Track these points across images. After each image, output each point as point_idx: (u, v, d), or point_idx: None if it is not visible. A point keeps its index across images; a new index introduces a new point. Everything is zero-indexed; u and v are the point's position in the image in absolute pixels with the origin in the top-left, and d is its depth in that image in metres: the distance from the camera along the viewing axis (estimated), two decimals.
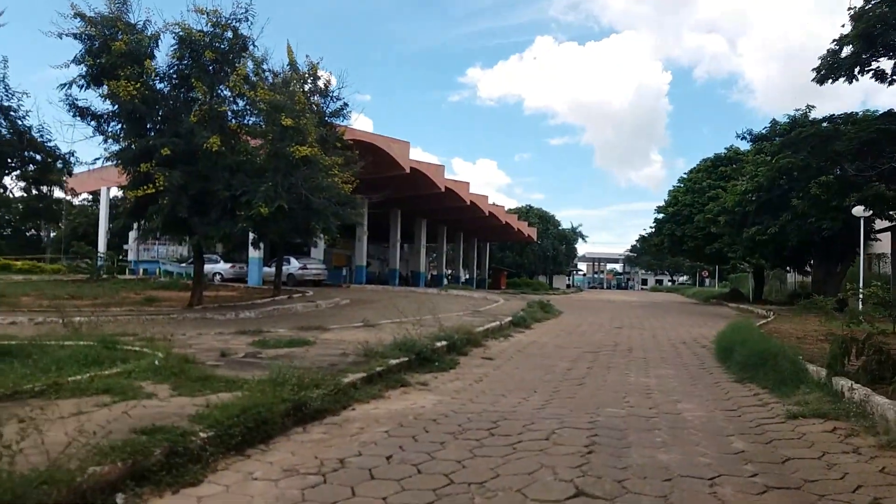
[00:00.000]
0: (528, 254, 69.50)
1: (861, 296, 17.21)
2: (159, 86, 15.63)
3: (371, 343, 9.41)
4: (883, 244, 29.87)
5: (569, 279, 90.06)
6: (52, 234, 51.35)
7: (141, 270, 35.76)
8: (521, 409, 6.57)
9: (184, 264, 31.81)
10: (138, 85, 14.06)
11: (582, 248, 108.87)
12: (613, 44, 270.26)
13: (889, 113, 13.61)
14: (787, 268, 37.29)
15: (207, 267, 31.59)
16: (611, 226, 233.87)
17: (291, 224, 15.65)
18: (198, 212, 15.10)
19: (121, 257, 42.53)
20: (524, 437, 5.26)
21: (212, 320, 14.52)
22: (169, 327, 12.63)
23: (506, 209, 54.43)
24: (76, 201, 47.27)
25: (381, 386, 7.36)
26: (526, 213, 69.95)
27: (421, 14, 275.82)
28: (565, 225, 79.34)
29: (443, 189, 33.85)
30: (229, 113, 16.24)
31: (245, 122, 16.85)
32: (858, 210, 20.54)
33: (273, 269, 30.41)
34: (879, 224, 27.25)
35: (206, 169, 14.72)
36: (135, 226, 16.25)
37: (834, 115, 15.78)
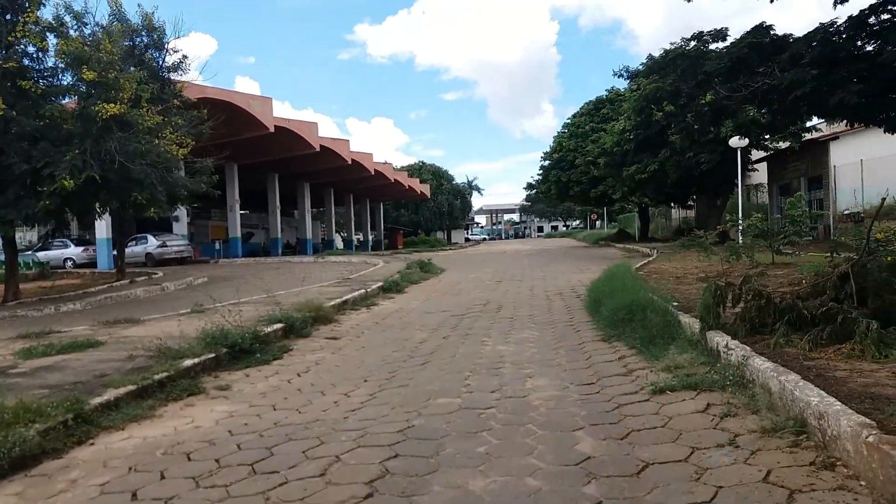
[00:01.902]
0: (423, 211, 68.01)
1: (740, 228, 16.84)
2: None
3: (176, 337, 7.67)
4: (760, 174, 30.40)
5: (467, 233, 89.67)
6: None
7: None
8: (329, 414, 5.06)
9: (30, 251, 28.26)
10: None
11: (480, 201, 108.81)
12: None
13: (759, 27, 12.72)
14: (671, 204, 37.74)
15: (57, 252, 28.41)
16: (509, 177, 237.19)
17: (113, 197, 13.29)
18: None
19: None
20: (292, 475, 3.73)
21: (19, 319, 12.19)
22: None
23: (394, 167, 52.57)
24: None
25: (156, 400, 5.66)
26: (419, 169, 68.21)
27: None
28: (460, 179, 78.43)
29: (317, 148, 31.50)
30: (34, 72, 13.63)
31: (57, 82, 14.24)
32: (735, 141, 20.23)
33: (131, 250, 27.62)
34: (756, 154, 27.51)
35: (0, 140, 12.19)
36: None
37: (702, 31, 14.82)
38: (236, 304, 12.01)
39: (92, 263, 27.19)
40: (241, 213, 45.20)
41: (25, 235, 31.37)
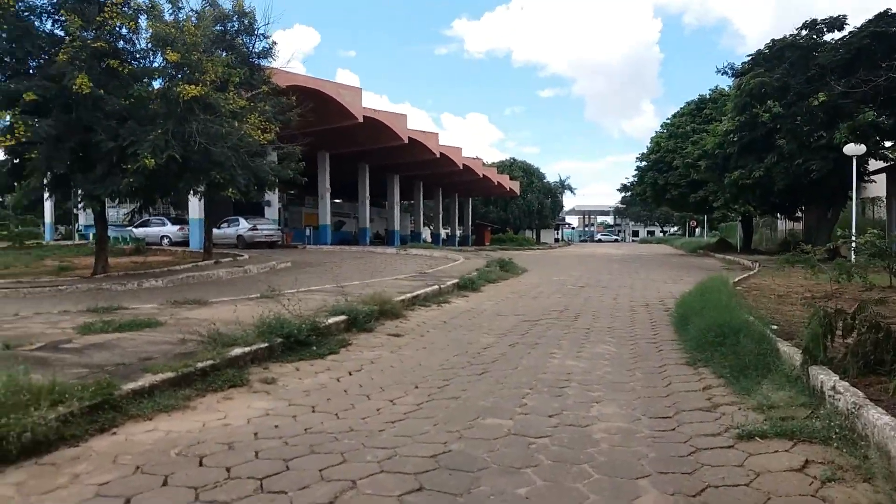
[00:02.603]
0: (512, 208, 67.19)
1: (854, 245, 15.25)
2: (37, 22, 13.36)
3: (236, 323, 7.52)
4: (877, 186, 27.86)
5: (557, 233, 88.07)
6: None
7: (91, 235, 33.42)
8: (366, 424, 4.60)
9: (130, 227, 29.63)
10: None
11: (573, 201, 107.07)
12: None
13: (883, 14, 11.21)
14: (777, 214, 35.31)
15: (155, 230, 29.66)
16: (605, 178, 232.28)
17: (195, 177, 13.46)
18: (81, 168, 12.94)
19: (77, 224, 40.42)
20: (300, 500, 3.27)
21: (102, 291, 12.53)
22: (34, 302, 10.75)
23: (483, 162, 51.96)
24: None
25: (194, 389, 5.39)
26: (509, 166, 67.41)
27: None
28: (552, 178, 76.99)
29: (405, 140, 31.40)
30: (127, 53, 13.99)
31: (148, 64, 14.58)
32: (850, 148, 18.38)
33: (223, 231, 28.43)
34: (873, 164, 25.18)
35: (87, 117, 12.52)
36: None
37: (816, 19, 13.19)
38: (307, 291, 11.93)
39: (186, 242, 28.20)
40: (334, 202, 46.07)
41: (120, 212, 32.75)
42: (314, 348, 7.14)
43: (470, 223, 59.41)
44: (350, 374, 6.31)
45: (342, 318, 8.45)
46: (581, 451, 4.01)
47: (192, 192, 14.96)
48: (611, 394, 5.45)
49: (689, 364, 6.44)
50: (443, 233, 55.41)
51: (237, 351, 6.31)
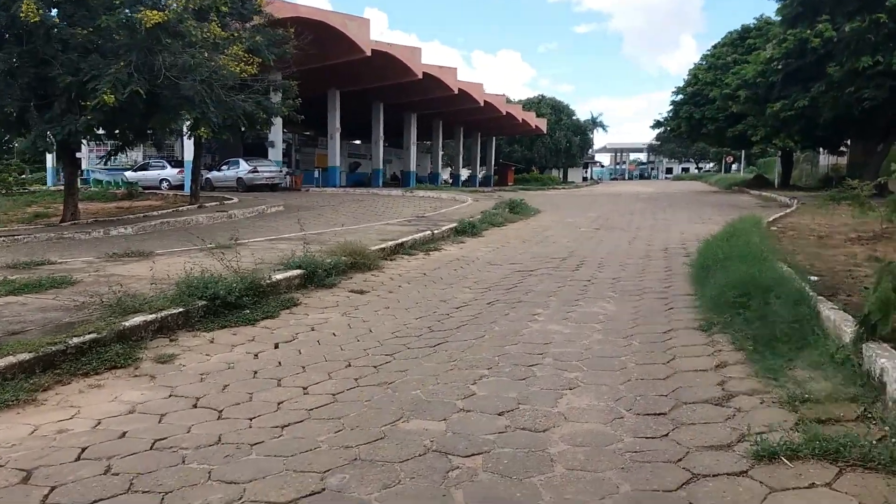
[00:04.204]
0: (538, 147, 64.60)
1: None
2: None
3: (161, 281, 6.35)
4: None
5: (585, 172, 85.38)
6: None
7: (91, 181, 32.46)
8: (243, 433, 3.41)
9: (128, 171, 28.63)
10: None
11: (604, 139, 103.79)
12: None
13: None
14: (819, 149, 32.92)
15: (153, 174, 28.66)
16: (642, 116, 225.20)
17: (165, 115, 12.15)
18: (38, 105, 11.76)
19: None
20: None
21: (63, 241, 11.55)
22: None
23: (507, 99, 49.59)
24: None
25: (55, 375, 4.27)
26: (537, 103, 64.59)
27: None
28: (584, 115, 73.95)
29: (419, 75, 29.49)
30: None
31: None
32: None
33: (223, 174, 27.33)
34: None
35: (44, 49, 11.27)
36: None
37: None
38: (276, 239, 10.72)
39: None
40: (352, 143, 44.56)
41: (130, 155, 31.48)
42: (247, 312, 5.93)
43: (493, 163, 57.40)
44: (276, 346, 5.11)
45: (296, 272, 7.21)
46: (523, 480, 2.72)
47: (168, 131, 13.68)
48: (592, 375, 4.12)
49: (702, 329, 5.06)
50: (464, 173, 53.64)
51: (137, 320, 5.11)
